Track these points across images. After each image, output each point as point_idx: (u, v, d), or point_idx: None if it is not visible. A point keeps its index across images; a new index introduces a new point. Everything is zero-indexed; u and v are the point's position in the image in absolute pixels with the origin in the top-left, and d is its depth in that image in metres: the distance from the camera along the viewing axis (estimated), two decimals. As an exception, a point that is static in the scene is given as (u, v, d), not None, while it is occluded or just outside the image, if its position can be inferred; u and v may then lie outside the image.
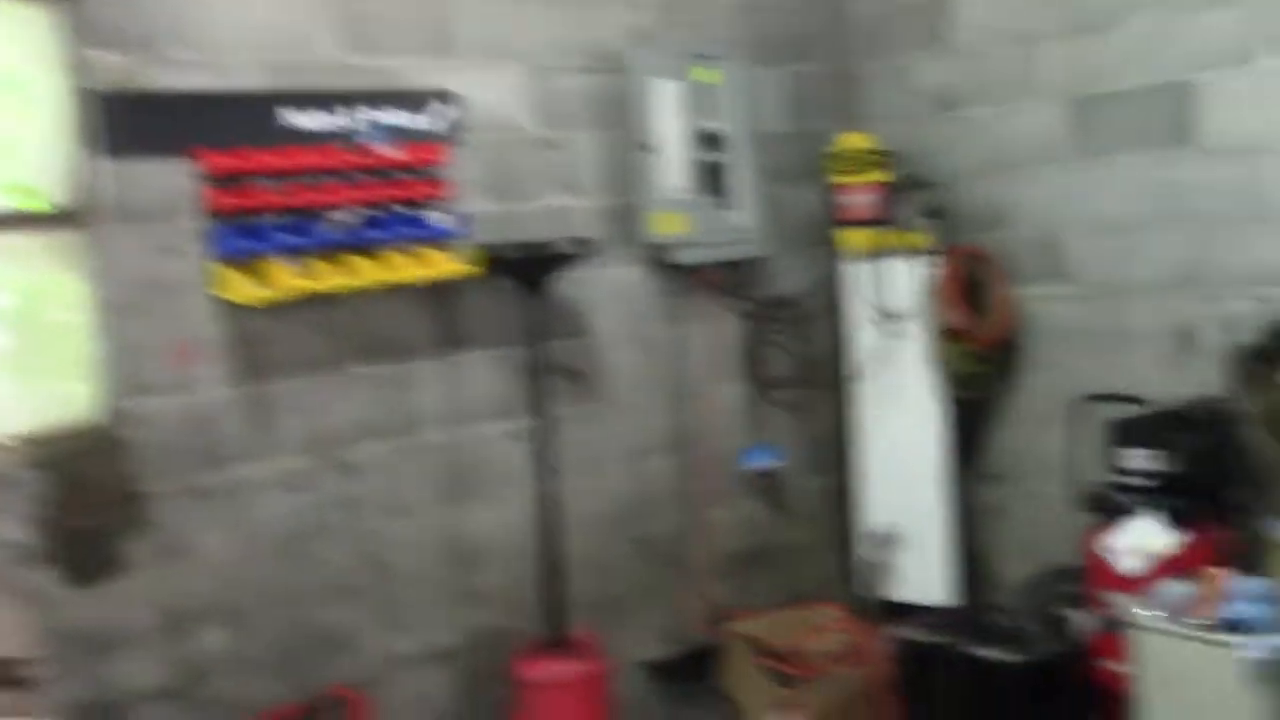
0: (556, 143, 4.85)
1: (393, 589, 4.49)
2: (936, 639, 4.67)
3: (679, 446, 5.21)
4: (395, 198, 4.43)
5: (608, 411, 5.01)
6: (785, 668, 4.85)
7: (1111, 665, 3.91)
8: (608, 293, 5.00)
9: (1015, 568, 5.22)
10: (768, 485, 5.45)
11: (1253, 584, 3.65)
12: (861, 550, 5.44)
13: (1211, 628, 3.59)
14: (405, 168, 4.45)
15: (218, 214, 4.08)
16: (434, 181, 4.52)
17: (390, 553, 4.49)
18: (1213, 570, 3.81)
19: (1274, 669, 3.47)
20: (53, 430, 3.91)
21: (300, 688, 4.21)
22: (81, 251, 3.96)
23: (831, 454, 5.63)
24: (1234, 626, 3.56)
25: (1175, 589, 3.80)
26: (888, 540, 5.34)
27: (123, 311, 3.96)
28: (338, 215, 4.28)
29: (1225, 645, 3.54)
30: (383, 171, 4.41)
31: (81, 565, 3.86)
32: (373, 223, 4.36)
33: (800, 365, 5.55)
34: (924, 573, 5.28)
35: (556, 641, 4.54)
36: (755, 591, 5.38)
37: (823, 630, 4.98)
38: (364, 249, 4.33)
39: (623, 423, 5.06)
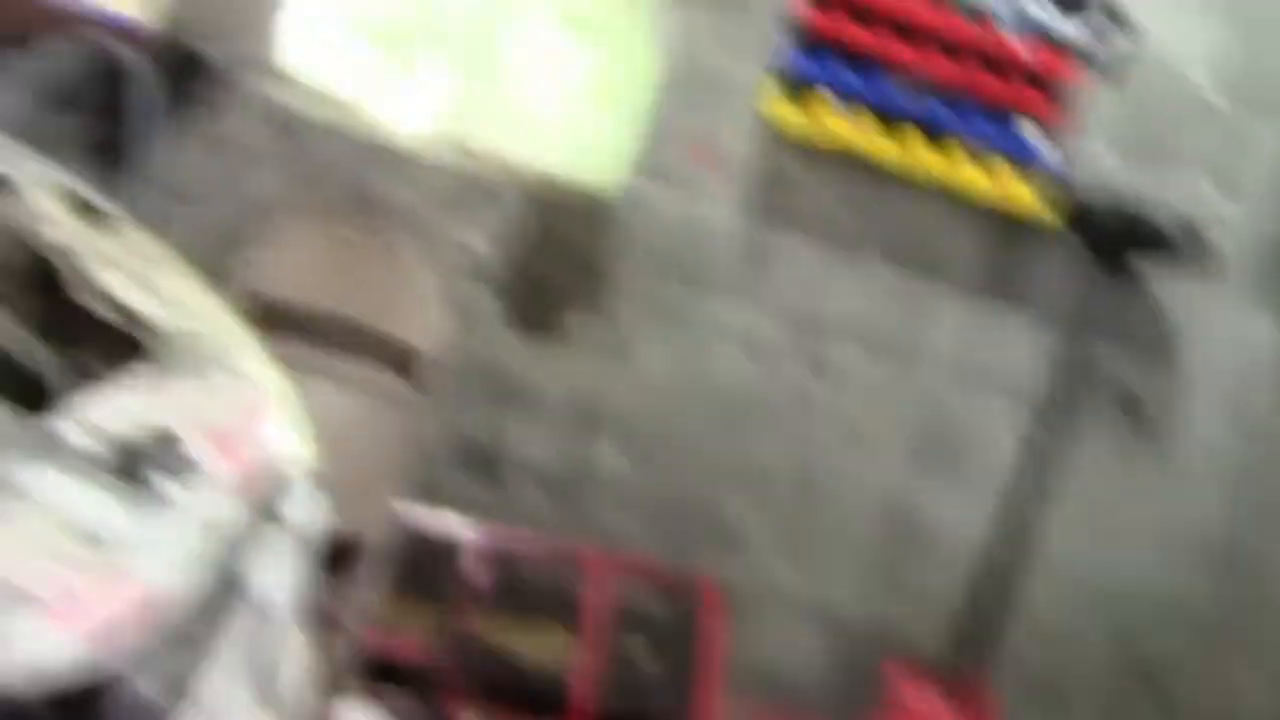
0: (1235, 125, 3.92)
1: (806, 517, 3.90)
2: None
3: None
4: (997, 93, 3.81)
5: (1159, 471, 4.09)
6: None
7: None
8: (1219, 344, 4.03)
9: None
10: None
11: None
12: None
13: None
14: (1025, 68, 3.79)
15: (795, 24, 3.71)
16: (1051, 99, 3.80)
17: (823, 478, 3.87)
18: None
19: None
20: (554, 170, 3.86)
21: (668, 549, 3.82)
22: (658, 17, 3.78)
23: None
24: None
25: None
26: None
27: (669, 90, 3.75)
28: (921, 81, 3.80)
29: None
30: (997, 60, 3.77)
31: (521, 311, 3.75)
32: (955, 107, 3.79)
33: None
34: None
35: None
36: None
37: None
38: (932, 130, 3.80)
39: (1177, 494, 4.10)
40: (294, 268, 3.61)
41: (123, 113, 3.72)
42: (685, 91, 3.90)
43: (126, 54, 3.74)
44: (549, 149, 4.04)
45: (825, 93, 3.88)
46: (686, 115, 3.90)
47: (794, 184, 3.94)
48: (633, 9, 3.99)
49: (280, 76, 3.95)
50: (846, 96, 3.90)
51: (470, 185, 3.85)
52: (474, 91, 4.02)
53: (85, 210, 2.13)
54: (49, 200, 2.08)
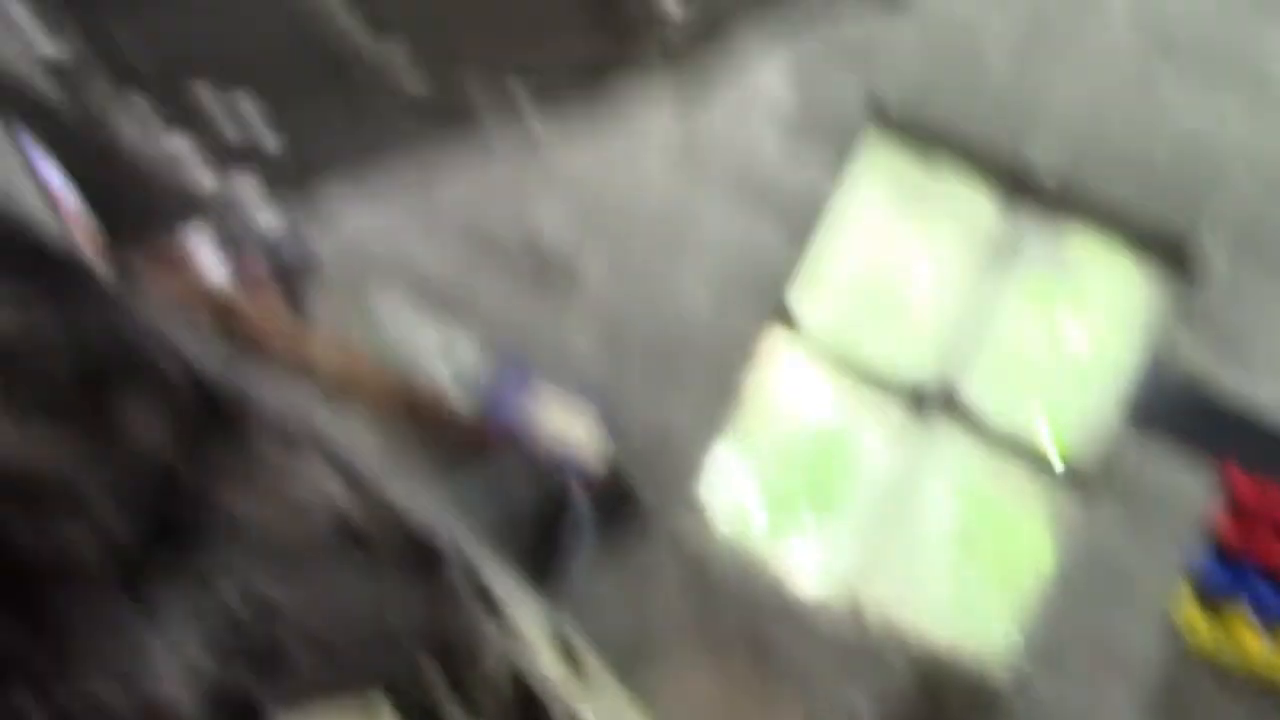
0: None
1: None
2: None
3: None
4: None
5: None
6: None
7: None
8: None
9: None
10: None
11: None
12: None
13: None
14: None
15: (1215, 538, 3.83)
16: None
17: None
18: None
19: None
20: (944, 643, 3.97)
21: None
22: (1063, 506, 3.99)
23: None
24: None
25: None
26: None
27: (1069, 580, 3.87)
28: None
29: None
30: None
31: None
32: None
33: None
34: None
35: None
36: None
37: None
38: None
39: None
40: (680, 698, 3.75)
41: (556, 531, 4.13)
42: (1087, 584, 3.89)
43: (569, 481, 4.20)
44: (942, 622, 4.09)
45: (1243, 609, 3.76)
46: (1086, 608, 3.87)
47: (1198, 698, 3.77)
48: (1039, 495, 4.09)
49: (698, 520, 4.27)
50: (1266, 616, 3.77)
51: (860, 647, 3.92)
52: (874, 556, 4.18)
53: (570, 656, 2.35)
54: (543, 642, 2.32)
